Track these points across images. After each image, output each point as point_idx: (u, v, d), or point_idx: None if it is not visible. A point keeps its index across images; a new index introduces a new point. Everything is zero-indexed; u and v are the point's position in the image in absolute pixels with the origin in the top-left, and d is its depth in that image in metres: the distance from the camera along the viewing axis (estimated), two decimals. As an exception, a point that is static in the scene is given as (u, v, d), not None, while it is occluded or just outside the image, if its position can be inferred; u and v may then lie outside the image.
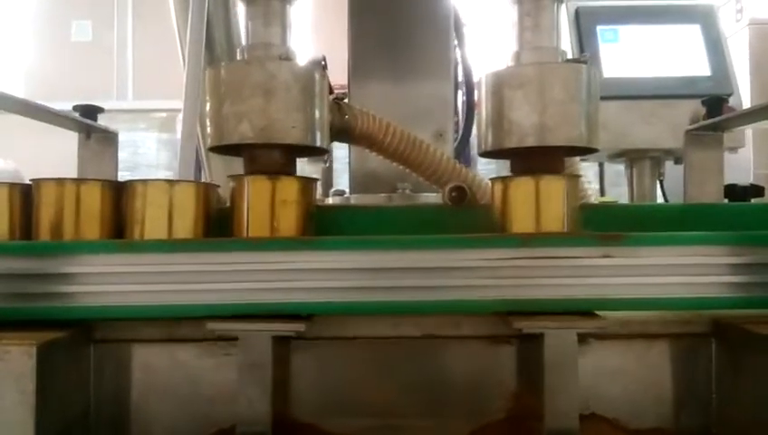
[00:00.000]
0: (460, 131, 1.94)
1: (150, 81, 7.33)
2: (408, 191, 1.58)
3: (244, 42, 0.99)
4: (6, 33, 7.38)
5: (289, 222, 0.97)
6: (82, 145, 1.16)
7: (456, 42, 1.75)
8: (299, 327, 0.90)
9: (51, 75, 6.70)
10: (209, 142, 0.97)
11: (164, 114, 6.49)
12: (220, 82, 0.94)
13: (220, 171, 2.25)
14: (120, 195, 0.99)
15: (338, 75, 1.50)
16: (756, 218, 1.06)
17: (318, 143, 0.97)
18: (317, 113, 0.96)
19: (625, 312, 0.94)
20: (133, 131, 6.32)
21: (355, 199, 1.59)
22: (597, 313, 0.90)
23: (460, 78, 1.92)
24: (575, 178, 0.99)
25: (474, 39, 1.91)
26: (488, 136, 0.99)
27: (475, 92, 1.75)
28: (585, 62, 0.96)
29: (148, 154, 6.24)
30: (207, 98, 0.95)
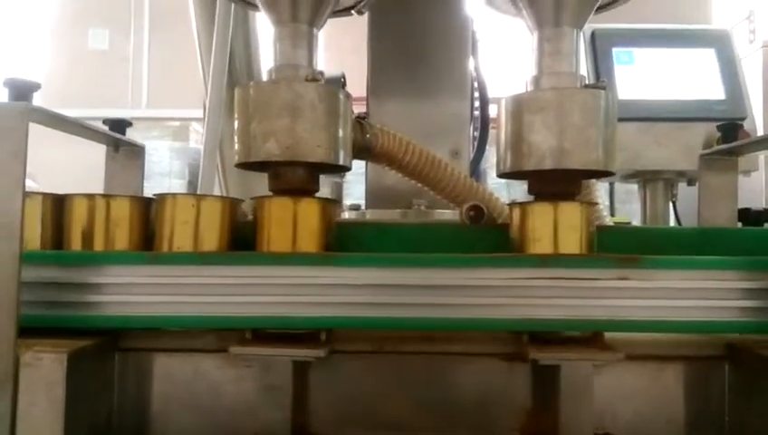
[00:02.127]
0: (474, 146, 1.95)
1: (165, 89, 7.42)
2: (423, 208, 1.60)
3: (272, 62, 1.02)
4: (24, 40, 7.49)
5: (311, 240, 0.99)
6: (110, 157, 1.19)
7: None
8: (319, 353, 0.92)
9: (67, 82, 6.78)
10: (236, 159, 0.99)
11: (177, 123, 6.54)
12: (248, 101, 0.97)
13: (236, 182, 2.27)
14: (148, 208, 1.02)
15: (350, 91, 1.53)
16: (770, 244, 1.08)
17: (341, 162, 0.99)
18: (341, 132, 0.99)
19: (640, 334, 0.96)
20: (147, 140, 6.36)
21: (371, 214, 1.61)
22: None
23: (475, 93, 1.94)
24: (592, 205, 1.01)
25: (488, 53, 1.93)
26: (507, 157, 1.01)
27: (493, 113, 1.77)
28: (603, 88, 0.99)
29: (161, 162, 6.28)
30: (236, 116, 0.98)
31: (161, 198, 1.00)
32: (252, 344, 0.94)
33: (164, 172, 6.25)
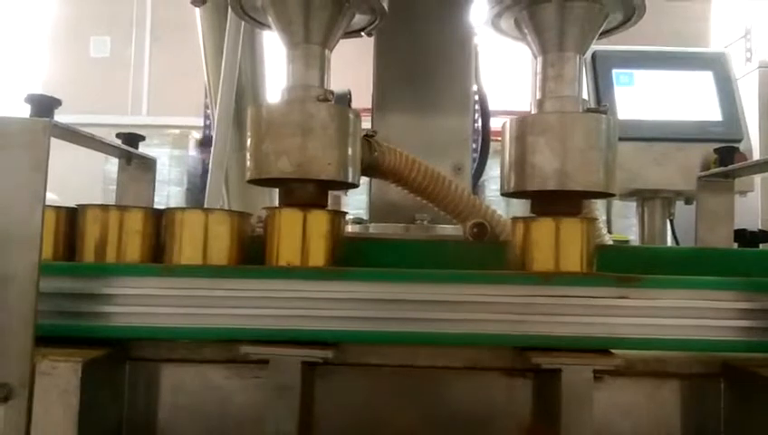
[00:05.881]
0: (476, 160, 1.97)
1: (165, 98, 7.47)
2: (426, 222, 1.63)
3: (284, 81, 1.05)
4: (26, 47, 7.53)
5: (318, 253, 1.01)
6: (123, 170, 1.22)
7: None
8: (327, 354, 0.94)
9: (68, 89, 6.81)
10: (248, 175, 1.02)
11: (177, 131, 6.58)
12: (261, 120, 1.00)
13: (238, 195, 2.30)
14: (159, 220, 1.04)
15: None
16: (765, 264, 1.11)
17: (350, 179, 1.02)
18: (350, 151, 1.02)
19: (638, 351, 0.98)
20: (146, 147, 6.38)
21: (374, 228, 1.64)
22: (612, 351, 0.94)
23: (475, 106, 1.96)
24: (593, 220, 1.04)
25: (488, 66, 1.96)
26: (511, 178, 1.04)
27: (494, 125, 1.80)
28: (605, 112, 1.02)
29: (161, 170, 6.29)
30: (249, 134, 1.01)
31: (171, 212, 1.02)
32: (262, 345, 0.95)
33: (163, 180, 6.27)
